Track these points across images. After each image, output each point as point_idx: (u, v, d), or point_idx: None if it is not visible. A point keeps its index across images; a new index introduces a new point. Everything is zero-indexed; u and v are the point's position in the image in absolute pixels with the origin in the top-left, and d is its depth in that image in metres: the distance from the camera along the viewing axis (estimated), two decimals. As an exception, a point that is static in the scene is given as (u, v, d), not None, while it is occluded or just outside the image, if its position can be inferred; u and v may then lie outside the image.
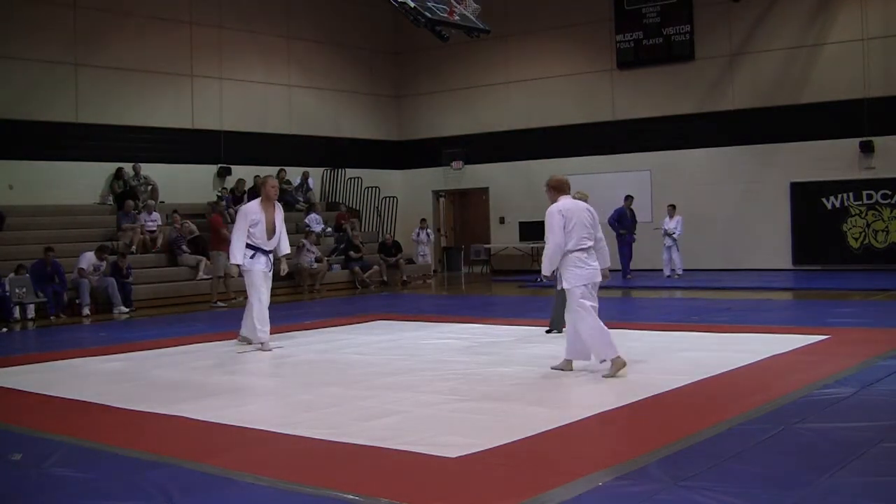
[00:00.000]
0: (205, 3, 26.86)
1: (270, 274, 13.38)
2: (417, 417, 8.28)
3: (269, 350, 12.78)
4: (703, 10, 26.76)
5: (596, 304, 10.27)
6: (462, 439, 7.20)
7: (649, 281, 24.07)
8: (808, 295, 20.19)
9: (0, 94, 22.57)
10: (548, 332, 13.70)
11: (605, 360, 10.02)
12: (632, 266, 25.20)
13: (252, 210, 13.11)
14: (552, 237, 10.07)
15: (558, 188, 10.47)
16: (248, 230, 12.90)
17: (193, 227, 23.82)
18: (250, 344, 13.13)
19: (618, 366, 9.85)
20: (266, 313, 13.00)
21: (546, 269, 10.28)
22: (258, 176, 24.34)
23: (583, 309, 10.06)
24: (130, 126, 24.97)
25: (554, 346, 12.56)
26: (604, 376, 9.84)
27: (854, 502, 5.56)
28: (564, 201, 10.32)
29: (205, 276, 22.73)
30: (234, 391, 9.88)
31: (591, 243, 10.26)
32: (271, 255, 13.33)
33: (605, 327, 10.09)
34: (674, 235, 24.57)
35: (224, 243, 21.97)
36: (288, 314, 18.49)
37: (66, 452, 7.33)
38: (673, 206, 25.09)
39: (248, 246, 12.95)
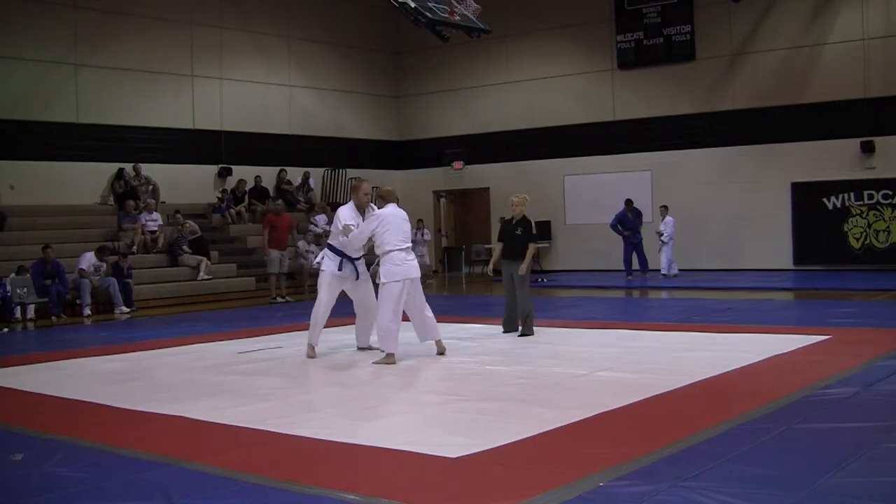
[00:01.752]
0: (205, 3, 26.85)
1: (355, 279, 12.42)
2: (418, 417, 8.29)
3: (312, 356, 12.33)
4: (703, 10, 26.74)
5: (419, 296, 11.99)
6: (462, 439, 7.20)
7: (649, 281, 24.08)
8: (809, 295, 20.18)
9: (1, 94, 22.58)
10: (505, 332, 13.99)
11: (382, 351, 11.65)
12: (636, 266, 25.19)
13: (349, 216, 12.18)
14: (362, 230, 11.80)
15: (386, 197, 12.13)
16: (340, 238, 12.09)
17: (196, 227, 23.83)
18: (370, 349, 12.62)
19: (390, 361, 11.46)
20: (315, 315, 12.38)
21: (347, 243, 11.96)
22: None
23: (392, 301, 11.53)
24: (131, 126, 24.95)
25: (552, 347, 12.58)
26: (374, 363, 11.50)
27: (855, 503, 5.56)
28: (388, 208, 11.89)
29: (205, 277, 22.75)
30: (235, 391, 9.86)
31: (409, 244, 11.85)
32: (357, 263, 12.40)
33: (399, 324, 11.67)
34: (662, 237, 24.60)
35: (276, 242, 22.25)
36: (288, 314, 18.50)
37: (68, 452, 7.33)
38: (665, 207, 25.11)
39: (336, 252, 12.21)
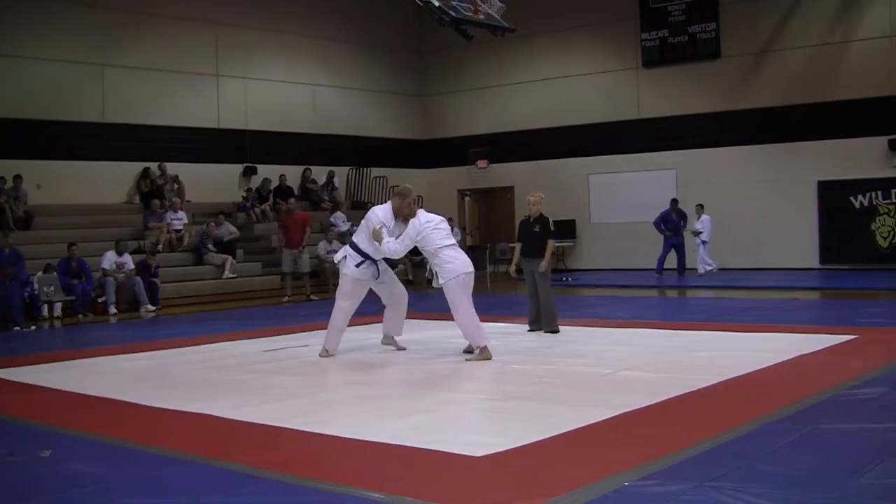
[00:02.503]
0: (230, 3, 26.93)
1: (376, 278, 12.29)
2: (443, 416, 8.28)
3: (328, 356, 12.24)
4: (728, 7, 26.64)
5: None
6: (488, 438, 7.20)
7: (676, 280, 24.01)
8: (836, 294, 20.08)
9: (28, 94, 22.68)
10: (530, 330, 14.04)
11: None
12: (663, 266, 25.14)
13: (385, 218, 12.02)
14: (398, 247, 11.72)
15: (404, 195, 12.15)
16: (372, 242, 11.89)
17: (233, 228, 23.84)
18: (395, 341, 12.62)
19: (485, 355, 11.40)
20: (334, 324, 12.33)
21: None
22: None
23: (460, 297, 11.55)
24: (157, 126, 25.05)
25: (577, 346, 12.56)
26: (468, 359, 11.45)
27: None
28: (421, 215, 11.86)
29: (230, 276, 22.81)
30: (259, 389, 9.88)
31: (453, 241, 11.89)
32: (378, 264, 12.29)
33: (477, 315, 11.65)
34: (701, 236, 24.60)
35: (288, 241, 22.26)
36: (313, 312, 18.52)
37: (93, 450, 7.37)
38: (701, 206, 25.06)
39: (359, 251, 12.05)
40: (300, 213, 23.44)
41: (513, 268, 14.68)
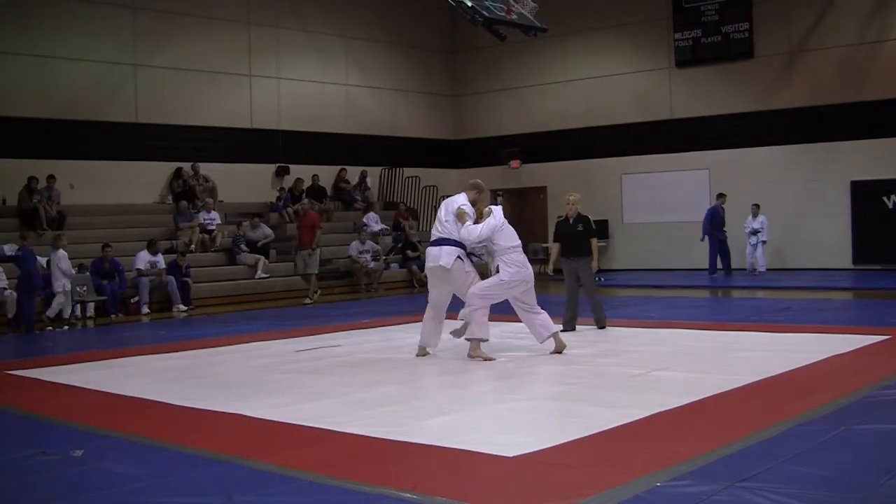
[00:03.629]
0: (262, 3, 27.02)
1: (436, 274, 12.05)
2: (474, 416, 8.29)
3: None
4: (761, 7, 26.52)
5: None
6: (519, 438, 7.20)
7: (710, 281, 23.94)
8: (869, 295, 19.98)
9: (61, 95, 22.86)
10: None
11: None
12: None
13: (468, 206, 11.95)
14: (483, 230, 11.57)
15: (480, 189, 12.13)
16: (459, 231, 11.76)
17: (269, 230, 23.87)
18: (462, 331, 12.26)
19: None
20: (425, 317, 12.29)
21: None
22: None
23: (499, 288, 11.67)
24: (189, 126, 25.18)
25: (609, 346, 12.55)
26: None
27: (916, 505, 5.51)
28: (498, 211, 11.85)
29: (263, 276, 22.88)
30: (292, 389, 9.92)
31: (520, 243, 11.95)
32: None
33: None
34: (759, 235, 24.73)
35: (300, 243, 22.26)
36: (345, 312, 18.57)
37: (126, 449, 7.41)
38: (757, 206, 25.08)
39: (459, 245, 11.81)
40: (312, 214, 23.28)
41: (550, 267, 14.76)
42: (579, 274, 14.05)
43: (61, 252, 18.52)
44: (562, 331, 13.34)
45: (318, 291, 22.64)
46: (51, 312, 18.33)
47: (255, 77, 26.79)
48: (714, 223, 25.18)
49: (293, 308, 20.73)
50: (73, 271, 19.03)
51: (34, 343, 16.22)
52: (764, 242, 24.94)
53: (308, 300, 22.03)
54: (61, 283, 18.44)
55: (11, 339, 16.84)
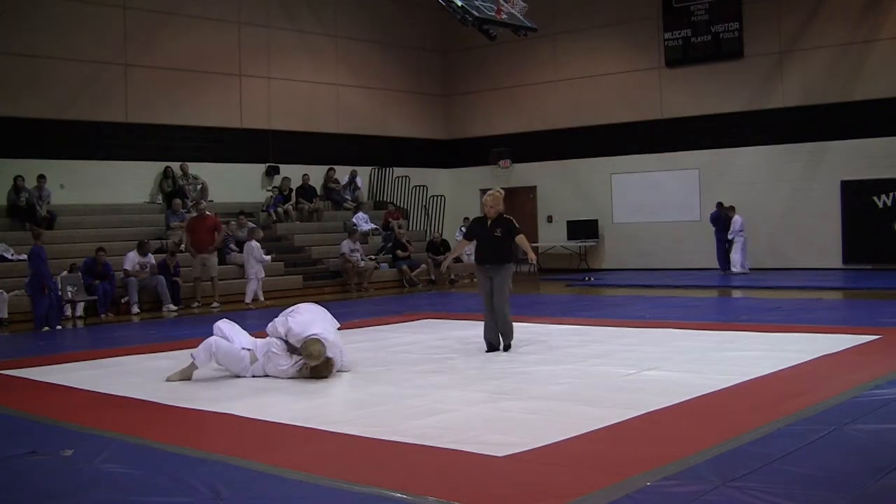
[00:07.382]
0: (253, 2, 27.00)
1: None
2: (465, 416, 8.28)
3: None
4: (751, 7, 26.57)
5: None
6: (510, 438, 7.20)
7: (703, 280, 23.95)
8: (859, 294, 20.00)
9: (51, 94, 22.81)
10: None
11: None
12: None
13: None
14: None
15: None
16: None
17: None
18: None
19: None
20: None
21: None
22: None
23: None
24: (180, 126, 25.16)
25: (600, 346, 12.54)
26: None
27: (906, 504, 5.52)
28: None
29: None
30: (282, 389, 9.91)
31: None
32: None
33: None
34: (730, 237, 24.86)
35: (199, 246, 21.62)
36: (336, 313, 18.50)
37: (116, 449, 7.39)
38: (731, 207, 25.17)
39: None
40: (211, 217, 22.06)
41: (445, 264, 14.97)
42: (493, 284, 12.23)
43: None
44: (486, 351, 12.34)
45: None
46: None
47: (246, 77, 26.77)
48: (717, 225, 25.39)
49: (283, 308, 20.61)
50: (65, 272, 19.04)
51: (24, 343, 16.16)
52: (731, 242, 25.28)
53: (216, 304, 21.22)
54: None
55: (2, 338, 16.84)
